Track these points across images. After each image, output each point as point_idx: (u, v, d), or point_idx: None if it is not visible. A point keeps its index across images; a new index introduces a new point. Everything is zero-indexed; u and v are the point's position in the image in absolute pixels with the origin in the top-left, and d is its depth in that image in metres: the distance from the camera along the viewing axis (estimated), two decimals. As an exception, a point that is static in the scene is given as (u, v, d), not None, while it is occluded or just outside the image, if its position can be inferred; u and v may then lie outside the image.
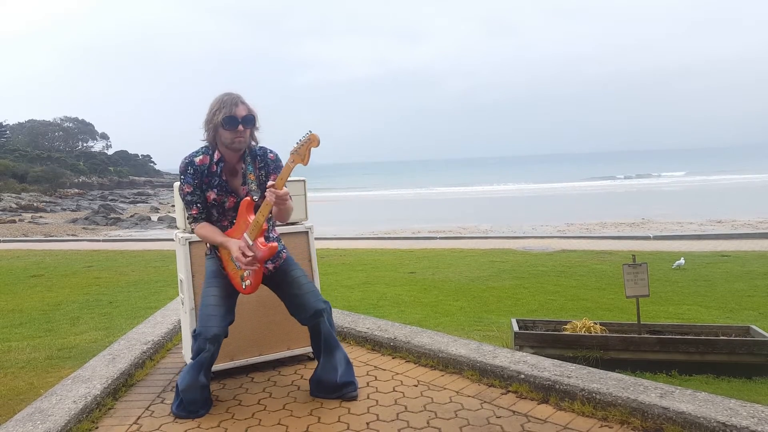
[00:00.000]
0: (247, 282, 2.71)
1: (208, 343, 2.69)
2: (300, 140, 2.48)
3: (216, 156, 2.72)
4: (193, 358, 2.75)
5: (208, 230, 2.76)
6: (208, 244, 2.87)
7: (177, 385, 2.81)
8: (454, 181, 55.78)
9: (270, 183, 2.48)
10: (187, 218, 2.84)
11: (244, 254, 2.55)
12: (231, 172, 2.75)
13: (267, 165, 2.79)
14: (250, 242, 2.58)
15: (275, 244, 2.62)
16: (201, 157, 2.73)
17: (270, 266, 2.83)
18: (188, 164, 2.72)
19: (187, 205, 2.76)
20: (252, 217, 2.63)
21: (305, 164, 2.48)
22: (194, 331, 2.76)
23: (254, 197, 2.73)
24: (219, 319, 2.71)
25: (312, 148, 2.47)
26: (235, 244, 2.61)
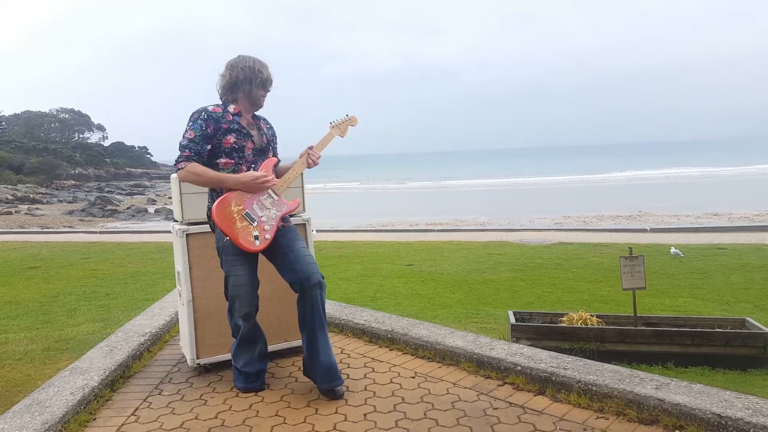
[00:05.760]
0: (267, 236, 2.78)
1: (241, 320, 2.89)
2: (341, 118, 3.01)
3: (234, 109, 2.85)
4: (234, 335, 2.98)
5: (205, 168, 2.75)
6: (210, 209, 2.82)
7: (234, 365, 2.99)
8: (453, 175, 55.75)
9: (310, 147, 2.89)
10: (175, 162, 2.77)
11: (258, 179, 2.74)
12: (248, 125, 2.89)
13: (271, 128, 3.07)
14: (276, 197, 2.84)
15: (298, 199, 2.97)
16: (214, 107, 2.84)
17: (282, 224, 2.90)
18: (202, 111, 2.80)
19: (181, 149, 2.75)
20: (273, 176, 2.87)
21: (343, 137, 3.01)
22: (228, 308, 2.98)
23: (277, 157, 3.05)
24: (248, 298, 2.87)
25: (350, 126, 3.04)
26: (249, 177, 2.74)
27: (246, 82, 2.80)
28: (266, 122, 3.06)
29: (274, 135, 3.08)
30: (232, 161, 2.81)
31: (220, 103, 2.89)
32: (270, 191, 2.83)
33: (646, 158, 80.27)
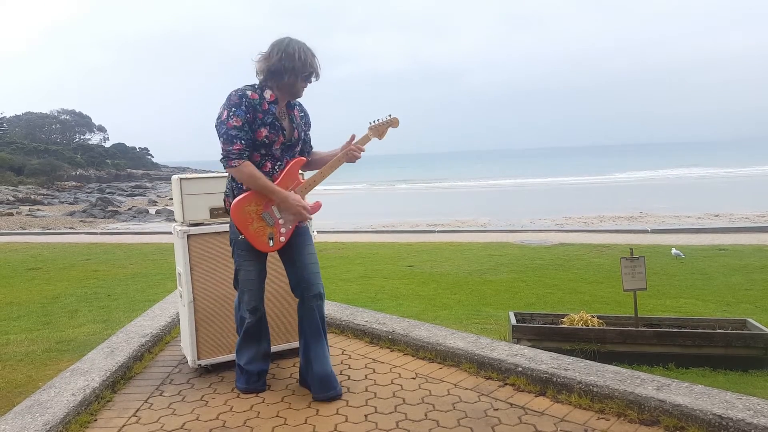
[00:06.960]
0: (282, 239, 2.78)
1: (248, 313, 2.90)
2: (381, 119, 2.82)
3: (270, 97, 2.68)
4: (239, 330, 2.99)
5: (257, 172, 2.64)
6: (227, 198, 2.79)
7: (237, 363, 2.98)
8: (454, 175, 55.77)
9: (351, 145, 2.77)
10: (226, 155, 2.60)
11: (303, 212, 2.71)
12: (281, 114, 2.75)
13: (306, 115, 2.93)
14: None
15: (319, 201, 2.86)
16: (251, 92, 2.66)
17: (300, 224, 2.88)
18: (242, 96, 2.61)
19: (230, 140, 2.57)
20: (301, 175, 2.83)
21: (381, 139, 2.84)
22: (236, 301, 2.99)
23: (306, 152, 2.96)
24: (255, 293, 2.88)
25: (391, 128, 2.84)
26: (294, 200, 2.70)
27: (292, 73, 2.60)
28: (300, 108, 2.88)
29: (307, 123, 2.92)
30: (258, 155, 2.70)
31: (256, 85, 2.70)
32: (293, 192, 2.77)
33: (647, 159, 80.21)
